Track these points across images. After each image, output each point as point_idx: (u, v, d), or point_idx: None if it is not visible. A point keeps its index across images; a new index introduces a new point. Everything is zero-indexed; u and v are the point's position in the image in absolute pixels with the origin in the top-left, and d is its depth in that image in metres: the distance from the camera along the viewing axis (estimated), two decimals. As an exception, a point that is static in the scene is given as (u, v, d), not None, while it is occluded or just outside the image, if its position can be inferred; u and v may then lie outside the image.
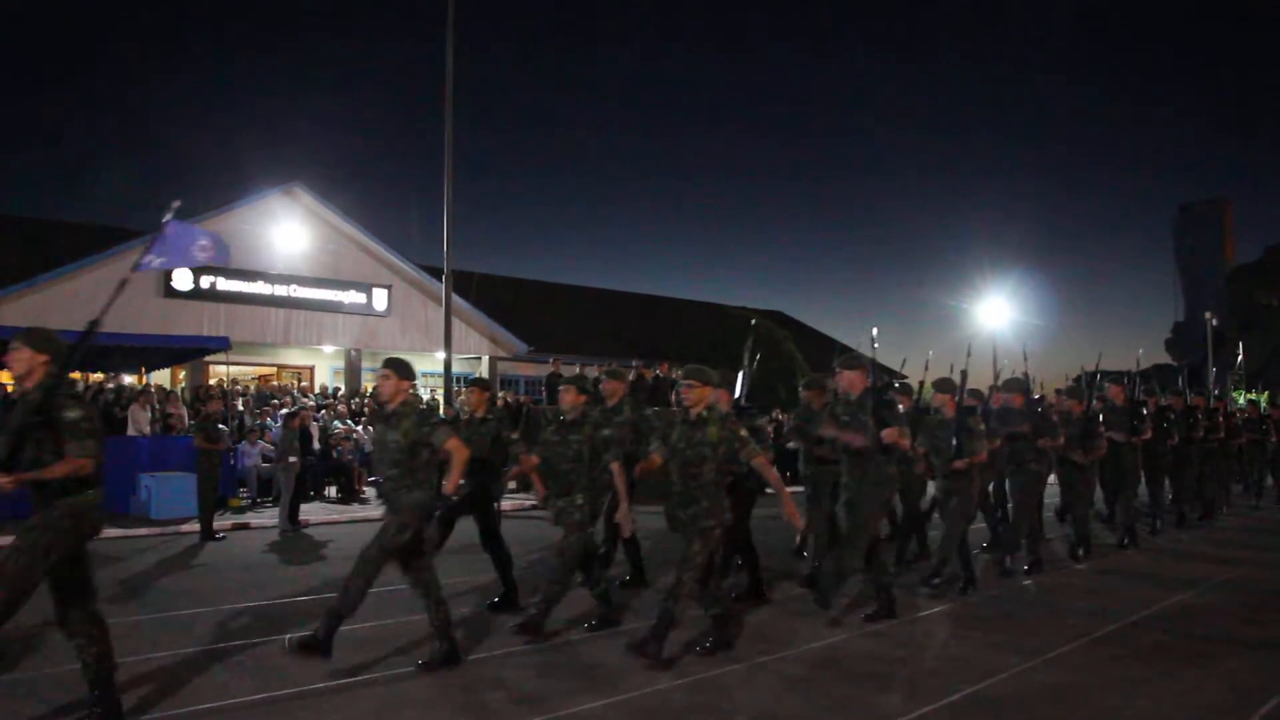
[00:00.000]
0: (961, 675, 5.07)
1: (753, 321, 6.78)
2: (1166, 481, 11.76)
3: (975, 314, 31.92)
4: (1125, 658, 5.53)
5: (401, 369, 5.32)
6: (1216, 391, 17.27)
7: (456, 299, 18.78)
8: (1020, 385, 8.52)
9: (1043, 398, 10.12)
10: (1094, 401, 9.21)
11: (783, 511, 5.39)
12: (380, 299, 24.36)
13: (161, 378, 20.42)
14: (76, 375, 18.54)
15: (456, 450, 5.05)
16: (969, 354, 7.97)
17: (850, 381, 6.41)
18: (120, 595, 6.36)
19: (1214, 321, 43.16)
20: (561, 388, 6.20)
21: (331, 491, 15.67)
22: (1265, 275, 65.82)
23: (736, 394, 7.68)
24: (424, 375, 25.44)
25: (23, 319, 18.28)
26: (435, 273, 20.28)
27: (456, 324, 19.29)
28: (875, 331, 7.14)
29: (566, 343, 26.76)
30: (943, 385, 7.49)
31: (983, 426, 7.33)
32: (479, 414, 7.14)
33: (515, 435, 7.04)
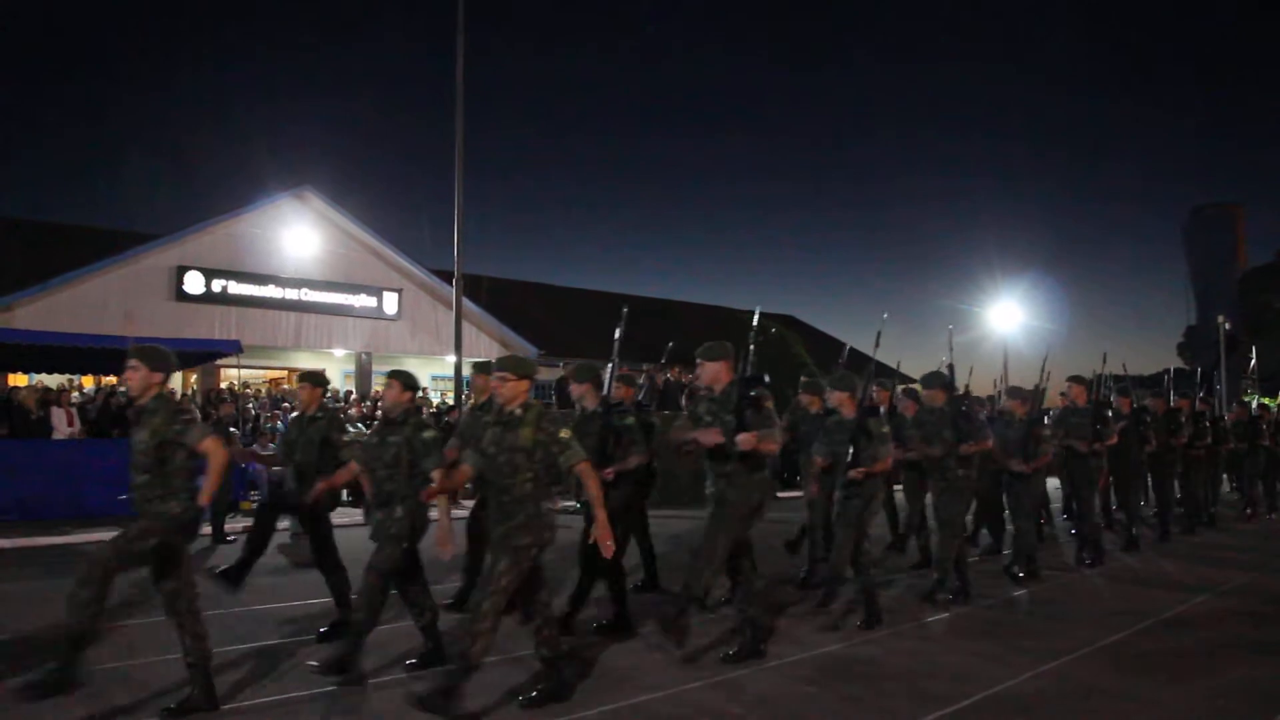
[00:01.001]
0: (971, 680, 5.05)
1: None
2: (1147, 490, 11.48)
3: (987, 317, 31.87)
4: (1135, 663, 5.50)
5: (151, 358, 4.55)
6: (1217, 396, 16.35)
7: (467, 303, 18.82)
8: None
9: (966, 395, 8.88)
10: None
11: (594, 531, 4.64)
12: (391, 303, 24.43)
13: (173, 381, 20.49)
14: (88, 380, 18.64)
15: (214, 452, 4.39)
16: (951, 348, 7.71)
17: (713, 374, 5.49)
18: (133, 597, 6.37)
19: (1226, 325, 42.98)
20: (387, 381, 5.52)
21: (343, 494, 15.66)
22: (1278, 279, 65.51)
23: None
24: (434, 379, 25.49)
25: (34, 323, 18.41)
26: (446, 276, 20.33)
27: (467, 328, 19.31)
28: (885, 316, 7.12)
29: (577, 346, 26.78)
30: (841, 382, 6.66)
31: (885, 429, 6.55)
32: (309, 412, 6.14)
33: (345, 438, 6.10)
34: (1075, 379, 9.46)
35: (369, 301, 24.08)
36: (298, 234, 22.93)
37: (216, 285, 21.61)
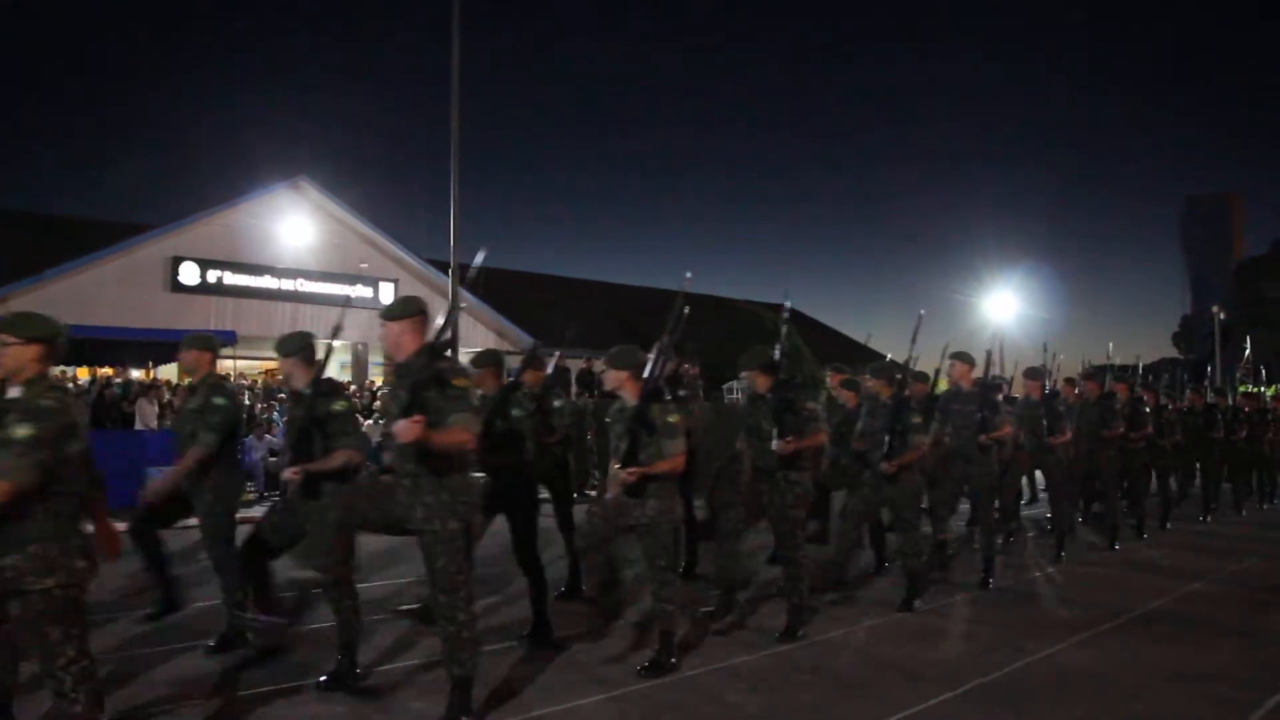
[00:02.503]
0: (968, 667, 5.08)
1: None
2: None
3: (983, 307, 31.92)
4: (1133, 649, 5.53)
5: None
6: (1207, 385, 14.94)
7: (463, 293, 18.81)
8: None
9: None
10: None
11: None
12: (387, 293, 24.42)
13: (169, 372, 20.50)
14: (84, 371, 18.63)
15: None
16: (914, 339, 7.40)
17: (395, 343, 4.64)
18: (129, 588, 6.35)
19: (1221, 315, 43.09)
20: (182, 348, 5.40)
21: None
22: (1273, 269, 65.64)
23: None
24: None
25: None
26: (442, 267, 20.32)
27: (463, 318, 19.31)
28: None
29: (574, 337, 26.70)
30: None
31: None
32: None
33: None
34: (1031, 372, 9.13)
35: (365, 292, 24.06)
36: (294, 224, 22.91)
37: (212, 276, 21.59)
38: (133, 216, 34.81)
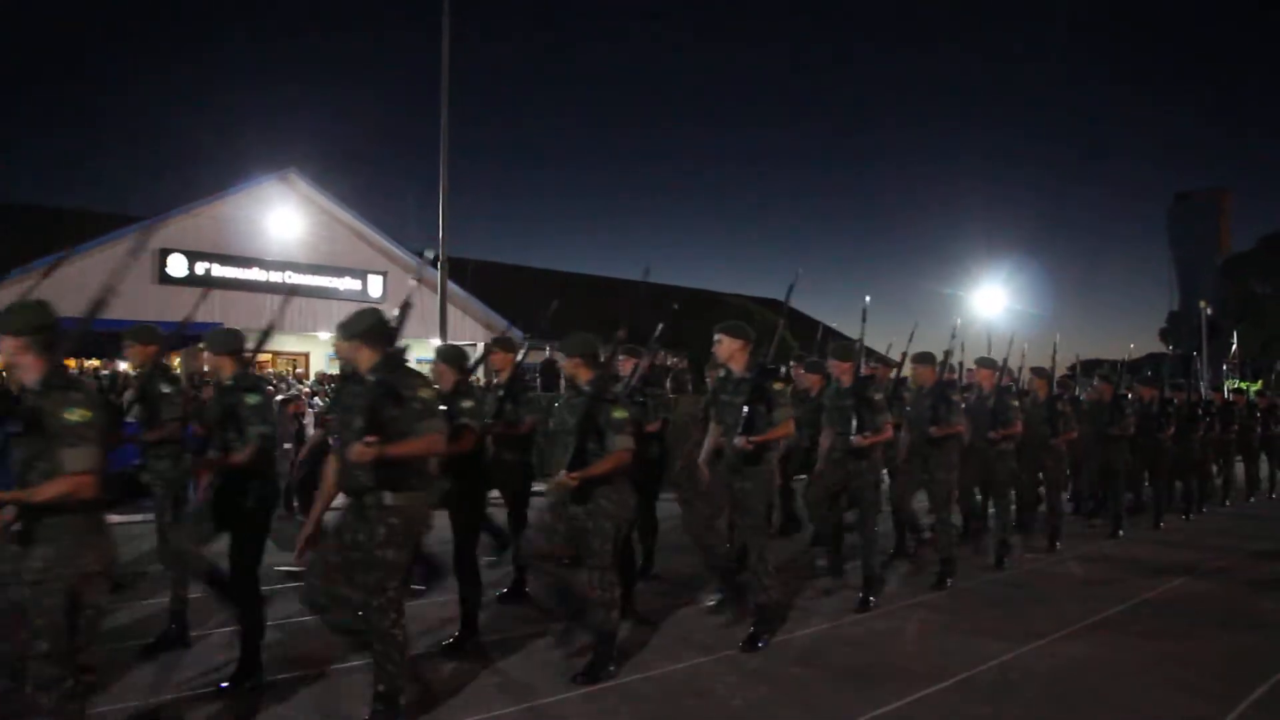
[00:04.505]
0: (954, 661, 5.11)
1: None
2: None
3: (970, 301, 32.01)
4: (1119, 643, 5.57)
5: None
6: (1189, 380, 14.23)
7: (452, 286, 18.76)
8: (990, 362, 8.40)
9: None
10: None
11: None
12: (376, 285, 24.36)
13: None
14: (71, 362, 18.52)
15: None
16: (864, 318, 7.41)
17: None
18: (121, 582, 6.33)
19: (1209, 310, 43.28)
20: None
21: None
22: (1260, 265, 65.90)
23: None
24: (419, 362, 25.43)
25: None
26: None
27: (452, 311, 19.29)
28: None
29: (562, 330, 26.67)
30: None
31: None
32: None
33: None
34: (983, 361, 8.60)
35: (354, 284, 24.00)
36: (282, 216, 22.83)
37: (200, 268, 21.49)
38: (121, 208, 34.62)
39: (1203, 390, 12.77)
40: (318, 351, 25.19)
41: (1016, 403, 8.30)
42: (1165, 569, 7.89)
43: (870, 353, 7.27)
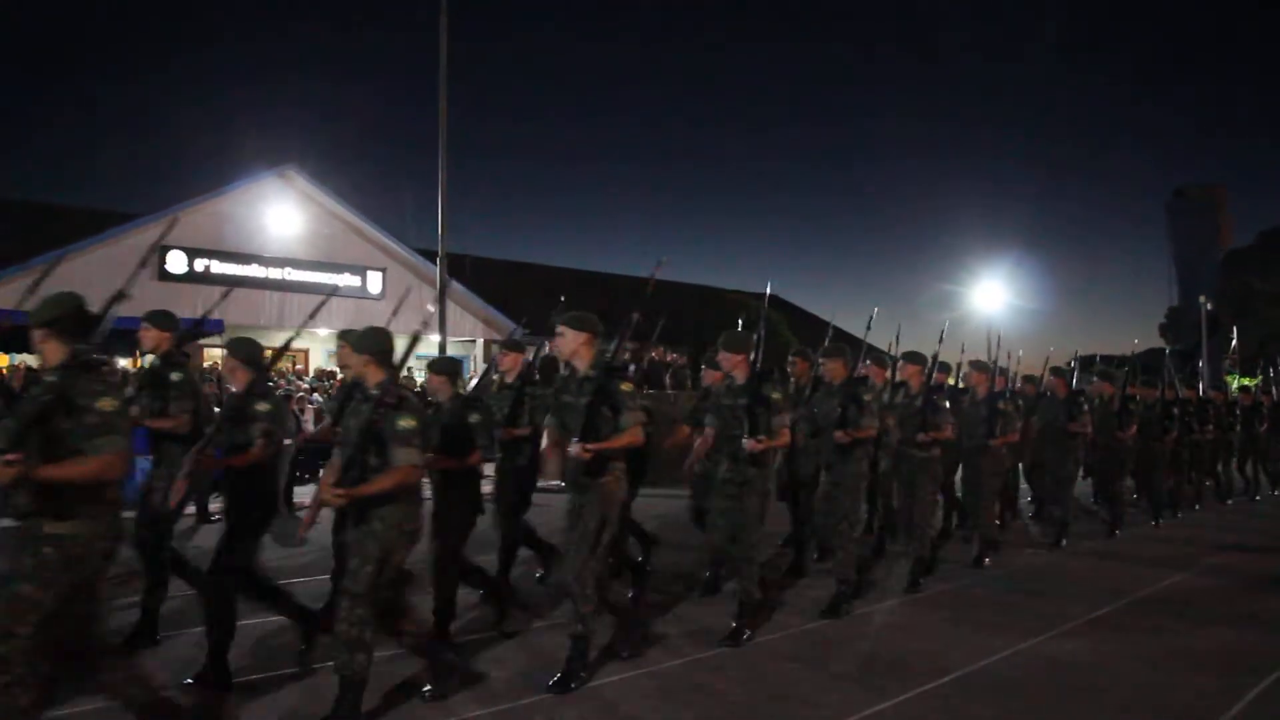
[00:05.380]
0: (952, 657, 5.11)
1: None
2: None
3: (970, 298, 31.99)
4: (1118, 639, 5.58)
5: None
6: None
7: (451, 282, 18.76)
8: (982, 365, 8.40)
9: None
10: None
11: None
12: (375, 282, 24.33)
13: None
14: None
15: None
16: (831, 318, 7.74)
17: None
18: (120, 578, 6.34)
19: (1209, 306, 43.21)
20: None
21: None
22: (1260, 260, 65.84)
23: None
24: (418, 359, 25.40)
25: (17, 302, 18.22)
26: (430, 256, 20.27)
27: (451, 307, 19.28)
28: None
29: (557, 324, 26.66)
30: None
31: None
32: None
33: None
34: (976, 365, 8.48)
35: (353, 281, 23.98)
36: (281, 213, 22.80)
37: (199, 265, 21.47)
38: (120, 205, 34.61)
39: (1200, 389, 12.49)
40: (316, 348, 25.15)
41: (1012, 408, 8.30)
42: (1164, 566, 7.89)
43: (872, 349, 7.33)
